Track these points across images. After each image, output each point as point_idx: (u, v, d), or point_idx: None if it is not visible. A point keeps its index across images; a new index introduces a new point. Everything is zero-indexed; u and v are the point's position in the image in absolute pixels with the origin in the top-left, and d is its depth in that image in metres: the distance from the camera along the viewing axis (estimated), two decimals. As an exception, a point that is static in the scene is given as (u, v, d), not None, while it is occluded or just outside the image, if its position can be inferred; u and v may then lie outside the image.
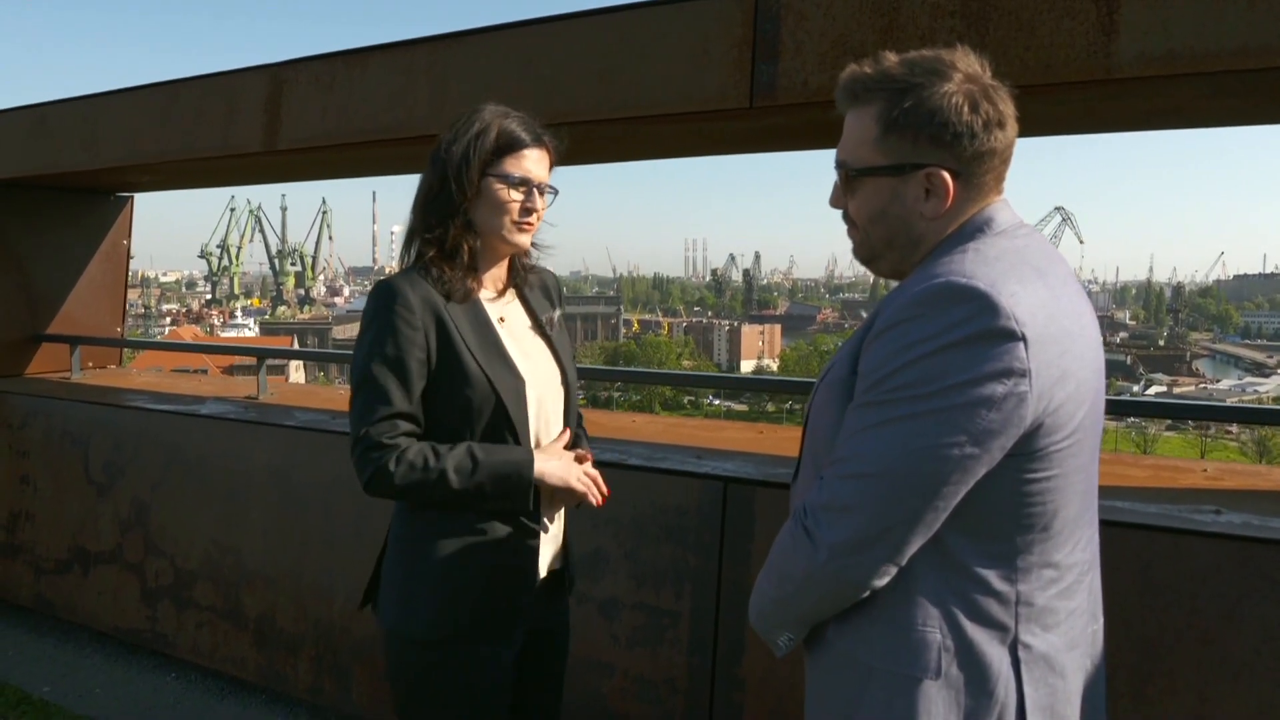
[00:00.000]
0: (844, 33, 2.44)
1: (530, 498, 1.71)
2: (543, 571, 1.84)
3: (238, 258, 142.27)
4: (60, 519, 4.10)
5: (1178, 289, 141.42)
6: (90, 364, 5.19)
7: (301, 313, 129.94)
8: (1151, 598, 2.11)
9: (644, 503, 2.67)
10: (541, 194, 1.76)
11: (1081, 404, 1.22)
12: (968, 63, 1.30)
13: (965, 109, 1.25)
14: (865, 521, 1.20)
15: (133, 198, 5.35)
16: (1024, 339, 1.13)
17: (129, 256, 5.42)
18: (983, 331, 1.14)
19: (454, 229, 1.71)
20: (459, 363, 1.68)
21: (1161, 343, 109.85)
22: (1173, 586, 2.11)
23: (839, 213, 1.43)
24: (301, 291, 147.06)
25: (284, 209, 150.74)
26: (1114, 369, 69.40)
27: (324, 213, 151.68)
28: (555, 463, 1.74)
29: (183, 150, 3.75)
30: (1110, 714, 1.96)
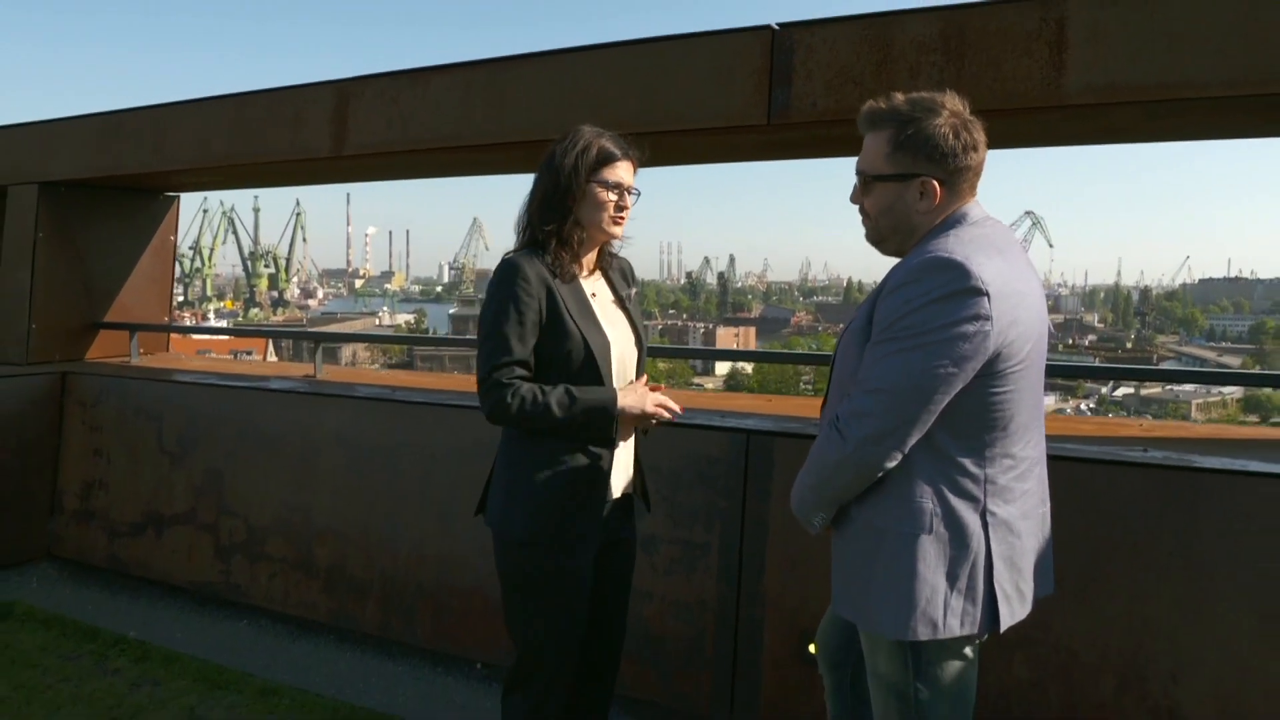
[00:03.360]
0: (846, 64, 2.98)
1: (613, 428, 2.22)
2: (616, 492, 2.34)
3: (210, 260, 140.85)
4: (134, 486, 4.55)
5: (1145, 292, 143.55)
6: (142, 350, 5.63)
7: (275, 315, 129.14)
8: (1092, 516, 2.66)
9: (678, 453, 3.19)
10: (629, 194, 2.27)
11: (1028, 340, 1.75)
12: (954, 103, 1.84)
13: (950, 136, 1.79)
14: (880, 422, 1.72)
15: (179, 197, 5.81)
16: (988, 294, 1.66)
17: (176, 251, 5.87)
18: (959, 290, 1.67)
19: (567, 224, 2.21)
20: (563, 325, 2.18)
21: (1129, 345, 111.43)
22: (1109, 507, 2.66)
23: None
24: (275, 293, 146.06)
25: (256, 210, 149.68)
26: (1083, 371, 70.28)
27: (298, 214, 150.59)
28: (633, 398, 2.23)
29: (252, 154, 4.23)
30: (1059, 612, 2.55)
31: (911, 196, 1.84)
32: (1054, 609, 2.65)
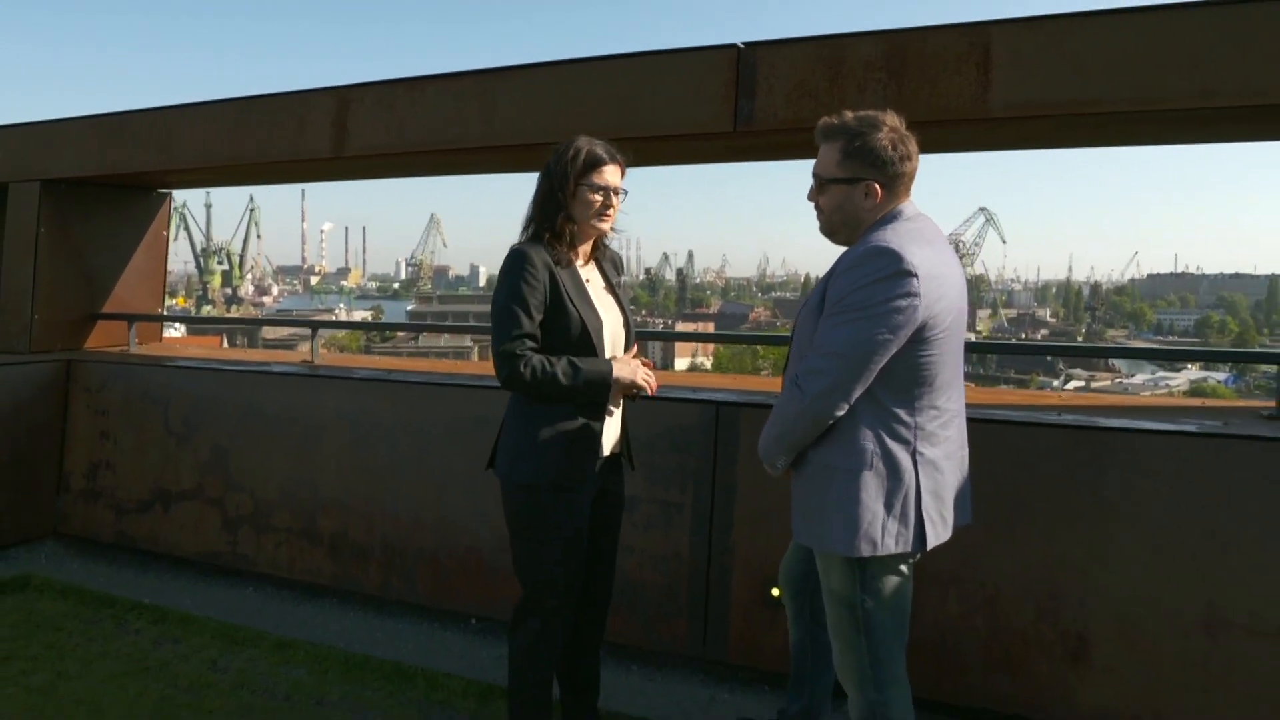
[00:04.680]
0: (803, 79, 3.39)
1: (608, 394, 2.61)
2: (606, 448, 2.72)
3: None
4: (141, 466, 4.85)
5: (1095, 287, 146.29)
6: (138, 340, 5.90)
7: (229, 313, 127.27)
8: (1014, 470, 3.10)
9: (656, 423, 3.58)
10: (616, 194, 2.64)
11: (950, 314, 2.17)
12: (893, 120, 2.25)
13: (890, 148, 2.20)
14: (832, 379, 2.13)
15: (171, 194, 6.09)
16: (917, 276, 2.08)
17: (167, 246, 6.15)
18: (895, 272, 2.08)
19: (560, 220, 2.59)
20: (563, 305, 2.56)
21: (1080, 339, 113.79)
22: (1028, 462, 3.10)
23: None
24: (228, 291, 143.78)
25: (208, 206, 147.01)
26: (1035, 365, 72.13)
27: (251, 210, 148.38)
28: (626, 370, 2.63)
29: (257, 155, 4.55)
30: (986, 553, 3.00)
31: (858, 196, 2.25)
32: (981, 550, 3.10)
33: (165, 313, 6.47)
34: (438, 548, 4.03)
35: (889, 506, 2.18)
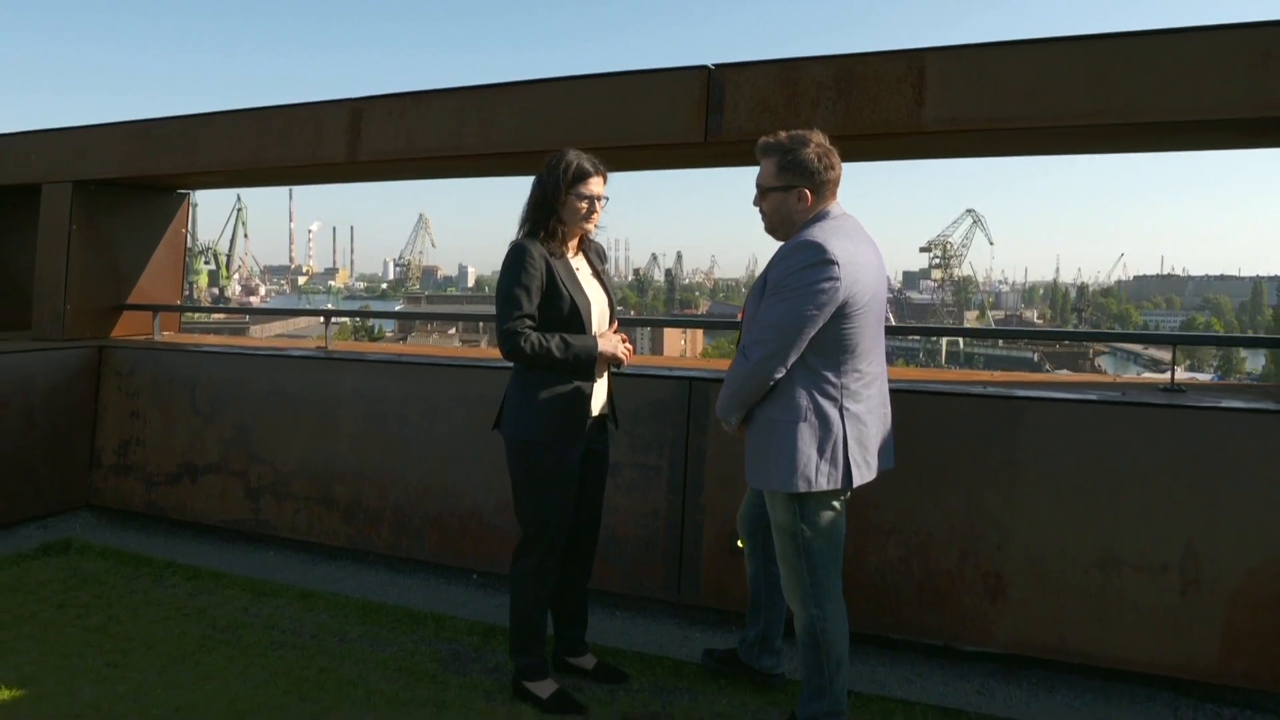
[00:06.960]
0: (764, 97, 3.90)
1: (595, 364, 3.11)
2: (595, 411, 3.22)
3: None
4: (170, 442, 5.32)
5: (1082, 289, 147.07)
6: (161, 329, 6.37)
7: (216, 313, 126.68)
8: (943, 434, 3.62)
9: (638, 396, 4.08)
10: (599, 201, 3.15)
11: (865, 294, 2.68)
12: (818, 137, 2.76)
13: (816, 160, 2.72)
14: (771, 347, 2.64)
15: (190, 194, 6.56)
16: (837, 264, 2.58)
17: (186, 242, 6.62)
18: (819, 261, 2.59)
19: (552, 222, 3.09)
20: (557, 289, 3.06)
21: (1066, 341, 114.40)
22: (955, 426, 3.62)
23: (756, 215, 2.90)
24: (215, 291, 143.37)
25: (194, 204, 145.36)
26: (1021, 365, 72.98)
27: (238, 209, 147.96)
28: (608, 344, 3.13)
29: (277, 159, 5.03)
30: (919, 506, 3.50)
31: (792, 201, 2.77)
32: (914, 503, 3.61)
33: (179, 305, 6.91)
34: (443, 511, 4.52)
35: (821, 451, 2.69)
